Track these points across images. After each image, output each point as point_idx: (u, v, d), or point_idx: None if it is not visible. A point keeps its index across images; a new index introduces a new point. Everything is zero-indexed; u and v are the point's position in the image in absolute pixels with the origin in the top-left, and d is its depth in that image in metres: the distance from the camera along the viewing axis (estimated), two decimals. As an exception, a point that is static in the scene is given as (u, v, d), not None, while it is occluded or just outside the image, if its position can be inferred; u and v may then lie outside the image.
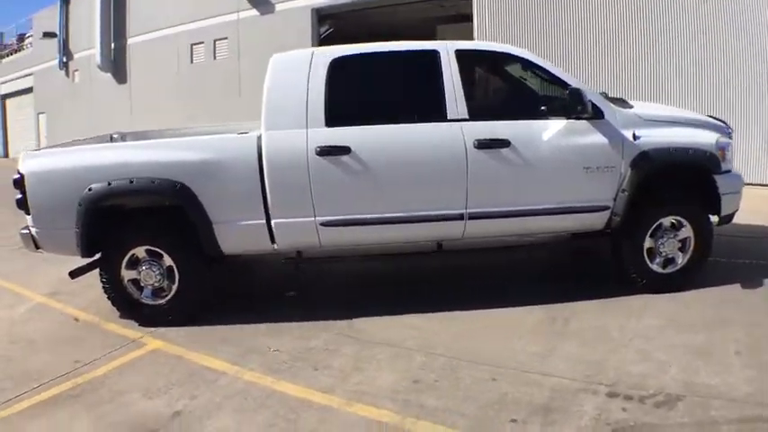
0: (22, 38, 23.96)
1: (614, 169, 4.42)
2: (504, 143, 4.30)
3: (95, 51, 18.64)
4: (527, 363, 3.60)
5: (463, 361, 3.66)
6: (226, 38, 16.22)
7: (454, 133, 4.28)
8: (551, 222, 4.55)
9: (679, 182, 4.71)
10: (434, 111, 4.31)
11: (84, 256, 4.48)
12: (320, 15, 14.60)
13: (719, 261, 5.16)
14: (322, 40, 14.71)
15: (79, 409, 3.41)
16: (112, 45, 18.76)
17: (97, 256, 4.58)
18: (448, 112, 4.31)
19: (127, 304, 4.57)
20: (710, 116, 5.19)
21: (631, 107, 4.84)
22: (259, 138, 4.22)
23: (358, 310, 4.54)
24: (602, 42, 9.94)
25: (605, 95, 5.13)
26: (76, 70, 20.72)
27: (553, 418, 2.97)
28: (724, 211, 4.69)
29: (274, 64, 4.43)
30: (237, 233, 4.31)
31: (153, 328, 4.48)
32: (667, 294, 4.54)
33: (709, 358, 3.51)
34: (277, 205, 4.23)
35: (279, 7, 15.01)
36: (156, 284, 4.51)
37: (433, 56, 4.41)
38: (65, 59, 20.36)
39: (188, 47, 17.09)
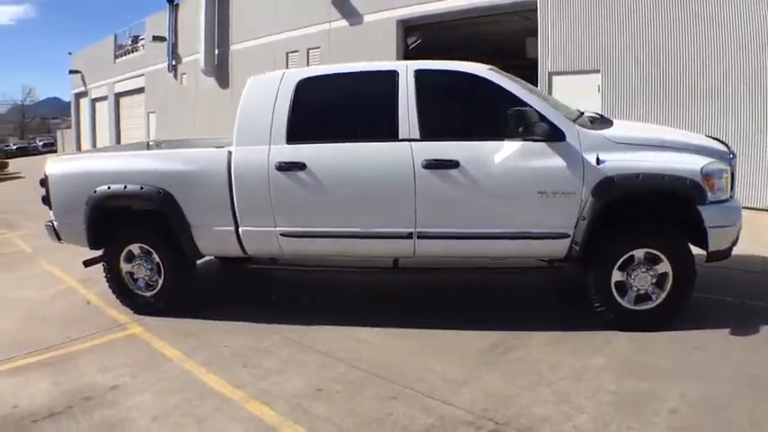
0: (136, 39, 26.79)
1: (573, 195, 4.39)
2: (452, 164, 4.47)
3: (200, 56, 20.71)
4: (438, 388, 3.80)
5: (379, 377, 4.00)
6: (318, 47, 17.45)
7: (403, 153, 4.54)
8: (505, 247, 4.61)
9: (655, 211, 4.55)
10: (388, 130, 4.61)
11: (91, 248, 5.42)
12: (406, 27, 15.31)
13: (712, 299, 5.05)
14: (410, 51, 15.43)
15: (45, 375, 4.26)
16: (216, 51, 20.74)
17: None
18: (400, 131, 4.59)
19: (124, 293, 5.44)
20: (715, 138, 5.01)
21: (608, 127, 4.77)
22: (230, 152, 4.88)
23: (321, 319, 5.02)
24: (676, 39, 9.61)
25: (591, 116, 5.12)
26: (184, 73, 23.05)
27: (418, 446, 3.21)
28: (712, 247, 4.45)
29: (249, 85, 5.10)
30: (211, 237, 5.01)
31: (142, 317, 5.32)
32: (638, 333, 4.46)
33: (636, 412, 3.38)
34: (243, 214, 4.87)
35: (367, 18, 15.93)
36: (147, 278, 5.33)
37: (392, 76, 4.72)
38: (174, 62, 22.76)
39: (284, 55, 18.53)
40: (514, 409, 3.49)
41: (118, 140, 28.19)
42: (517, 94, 4.60)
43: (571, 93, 10.33)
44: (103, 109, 30.29)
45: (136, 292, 5.39)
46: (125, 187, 5.06)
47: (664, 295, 4.50)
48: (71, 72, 32.26)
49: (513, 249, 4.66)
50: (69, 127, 36.15)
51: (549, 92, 10.71)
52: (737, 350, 4.19)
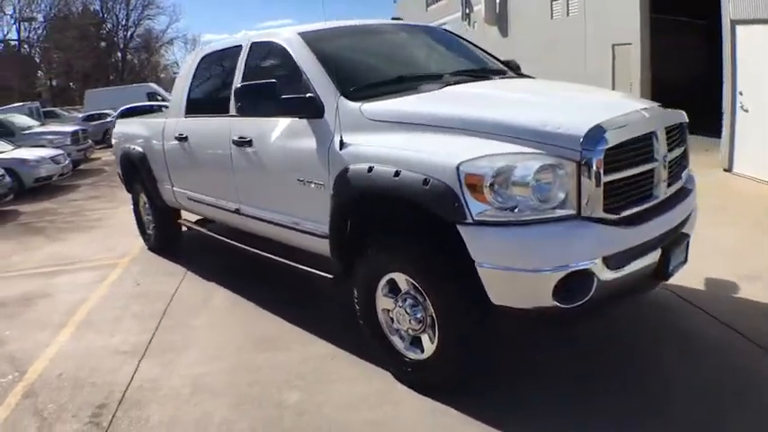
0: (450, -15, 28.41)
1: (324, 187, 3.79)
2: (248, 142, 4.52)
3: (482, 5, 21.57)
4: (161, 351, 4.43)
5: (163, 328, 4.88)
6: (571, -7, 16.86)
7: (226, 129, 4.81)
8: (295, 239, 4.34)
9: (413, 223, 3.36)
10: (228, 105, 4.84)
11: (128, 192, 7.51)
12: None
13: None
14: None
15: (34, 280, 6.50)
16: (497, 0, 21.28)
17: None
18: (230, 106, 4.76)
19: (143, 232, 7.43)
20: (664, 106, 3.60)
21: (406, 94, 3.76)
22: (165, 122, 6.13)
23: (228, 279, 5.88)
24: None
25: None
26: (475, 22, 24.14)
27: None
28: (497, 299, 2.99)
29: (186, 60, 6.22)
30: (165, 192, 6.42)
31: (145, 252, 7.28)
32: (400, 388, 3.57)
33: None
34: (173, 176, 6.12)
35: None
36: (150, 222, 7.17)
37: (238, 50, 4.98)
38: (467, 11, 23.95)
39: (548, 3, 18.22)
40: (158, 395, 3.78)
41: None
42: (297, 61, 4.22)
43: (760, 48, 8.22)
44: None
45: (147, 231, 7.32)
46: (129, 147, 6.91)
47: (433, 348, 3.38)
48: (393, 19, 36.20)
49: (304, 243, 4.28)
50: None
51: (733, 46, 8.54)
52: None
